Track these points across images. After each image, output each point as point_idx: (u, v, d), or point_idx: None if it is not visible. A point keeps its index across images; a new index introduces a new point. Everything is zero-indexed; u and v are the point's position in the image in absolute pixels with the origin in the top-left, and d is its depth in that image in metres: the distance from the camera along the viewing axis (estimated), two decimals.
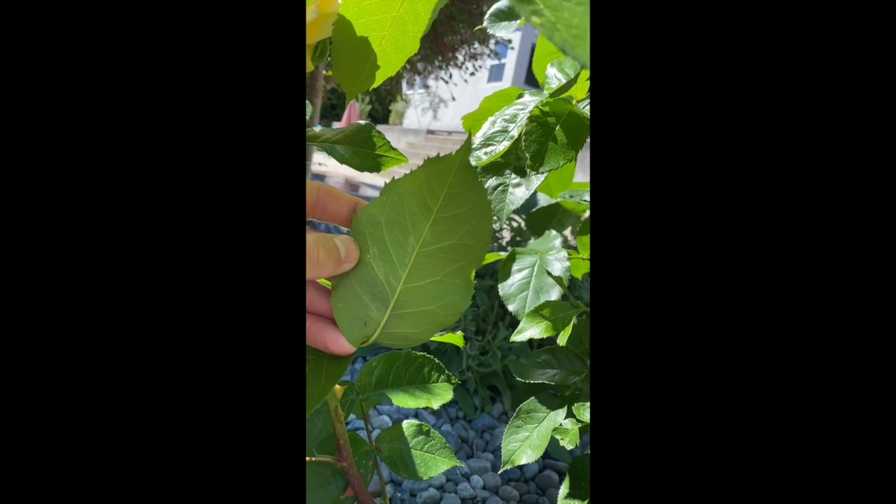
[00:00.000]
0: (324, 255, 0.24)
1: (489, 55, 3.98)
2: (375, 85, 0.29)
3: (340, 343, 0.26)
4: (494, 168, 0.41)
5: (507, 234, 1.70)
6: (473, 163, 0.37)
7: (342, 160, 0.33)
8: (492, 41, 3.89)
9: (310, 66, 0.29)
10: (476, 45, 3.74)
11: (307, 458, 0.33)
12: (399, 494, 0.75)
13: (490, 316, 1.19)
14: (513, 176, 0.40)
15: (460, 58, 3.85)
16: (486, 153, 0.37)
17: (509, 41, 4.12)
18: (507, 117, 0.38)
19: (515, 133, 0.37)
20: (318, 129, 0.34)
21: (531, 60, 0.49)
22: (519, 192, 0.39)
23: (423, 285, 0.25)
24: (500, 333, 1.07)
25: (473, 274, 0.26)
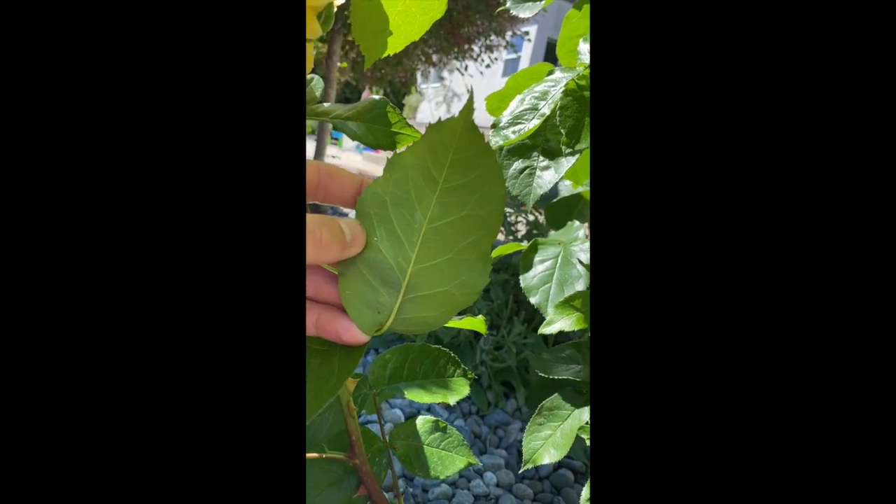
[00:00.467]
0: (327, 236, 0.22)
1: (506, 47, 3.92)
2: (399, 48, 0.27)
3: (352, 332, 0.24)
4: (520, 150, 0.38)
5: (522, 228, 1.67)
6: (500, 142, 0.35)
7: (354, 137, 0.31)
8: (508, 33, 3.83)
9: (317, 32, 0.27)
10: (493, 36, 3.69)
11: (317, 455, 0.30)
12: (411, 490, 0.73)
13: (504, 311, 1.17)
14: (541, 158, 0.38)
15: (476, 49, 3.80)
16: (514, 132, 0.34)
17: (526, 33, 4.04)
18: (536, 94, 0.35)
19: (546, 110, 0.34)
20: (326, 105, 0.32)
21: (546, 54, 0.47)
22: (547, 176, 0.37)
23: (435, 265, 0.23)
24: (515, 328, 1.04)
25: (490, 248, 0.23)
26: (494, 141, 0.34)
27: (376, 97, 0.30)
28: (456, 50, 3.61)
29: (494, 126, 0.35)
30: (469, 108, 0.22)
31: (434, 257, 0.23)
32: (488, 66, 3.95)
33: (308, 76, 0.31)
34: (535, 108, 0.35)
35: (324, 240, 0.21)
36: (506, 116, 0.35)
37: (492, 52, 3.86)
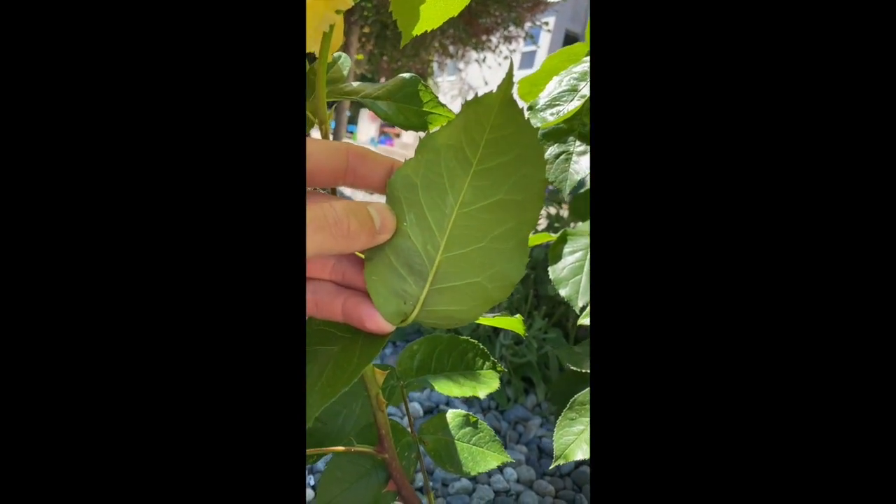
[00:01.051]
0: (355, 225, 0.20)
1: (525, 38, 3.86)
2: (437, 24, 0.25)
3: (376, 320, 0.22)
4: (556, 134, 0.37)
5: (542, 223, 1.64)
6: (538, 124, 0.33)
7: (385, 117, 0.30)
8: (527, 24, 3.78)
9: (347, 3, 0.25)
10: (511, 27, 3.64)
11: (345, 449, 0.29)
12: (431, 483, 0.72)
13: (524, 305, 1.15)
14: (577, 143, 0.36)
15: (494, 40, 3.75)
16: (552, 114, 0.32)
17: (546, 23, 3.98)
18: (576, 75, 0.33)
19: (587, 91, 0.32)
20: (354, 84, 0.30)
21: (565, 46, 0.45)
22: (584, 161, 0.35)
23: (465, 253, 0.22)
24: (536, 323, 1.03)
25: (527, 238, 0.21)
26: (532, 123, 0.33)
27: (407, 75, 0.28)
28: (474, 41, 3.57)
29: (531, 108, 0.33)
30: (508, 81, 0.20)
31: (465, 245, 0.22)
32: (506, 56, 3.90)
33: (335, 54, 0.30)
34: (574, 90, 0.33)
35: (352, 230, 0.20)
36: (543, 98, 0.33)
37: (510, 43, 3.81)
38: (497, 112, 0.20)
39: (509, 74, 0.20)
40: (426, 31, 0.27)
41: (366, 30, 3.30)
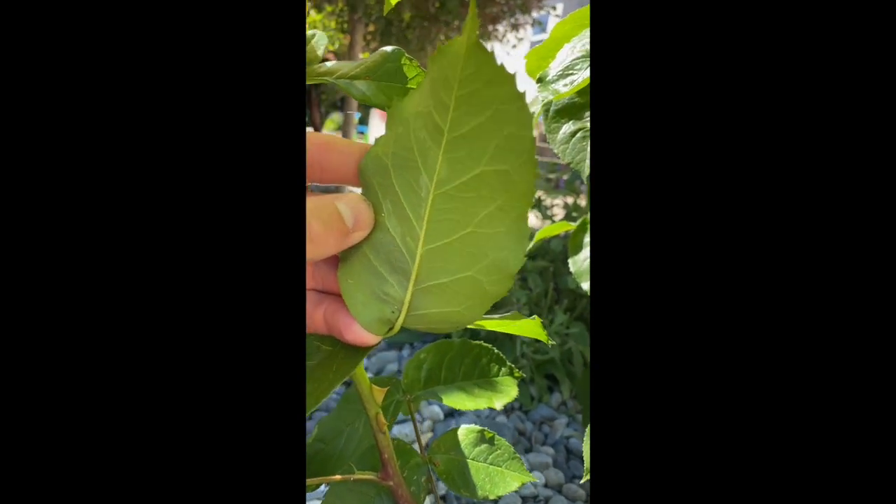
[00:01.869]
0: (318, 228, 0.17)
1: (532, 25, 3.77)
2: None
3: (354, 330, 0.19)
4: (569, 110, 0.32)
5: (559, 212, 1.59)
6: (550, 97, 0.29)
7: (363, 99, 0.26)
8: (534, 13, 3.69)
9: None
10: (518, 15, 3.56)
11: (346, 476, 0.26)
12: (451, 492, 0.69)
13: (544, 300, 1.11)
14: None
15: (501, 29, 3.68)
16: (565, 84, 0.28)
17: (553, 8, 3.87)
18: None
19: None
20: (328, 63, 0.26)
21: None
22: None
23: (449, 244, 0.18)
24: (557, 318, 0.98)
25: (524, 217, 0.17)
26: (543, 97, 0.28)
27: (389, 48, 0.24)
28: (480, 31, 3.50)
29: (541, 80, 0.29)
30: (472, 21, 0.16)
31: (448, 234, 0.18)
32: (514, 46, 3.82)
33: (309, 33, 0.27)
34: (589, 56, 0.29)
35: (314, 234, 0.16)
36: (554, 67, 0.29)
37: (517, 31, 3.73)
38: (464, 62, 0.16)
39: (472, 11, 0.16)
40: (431, 25, 0.23)
41: (370, 28, 3.27)
